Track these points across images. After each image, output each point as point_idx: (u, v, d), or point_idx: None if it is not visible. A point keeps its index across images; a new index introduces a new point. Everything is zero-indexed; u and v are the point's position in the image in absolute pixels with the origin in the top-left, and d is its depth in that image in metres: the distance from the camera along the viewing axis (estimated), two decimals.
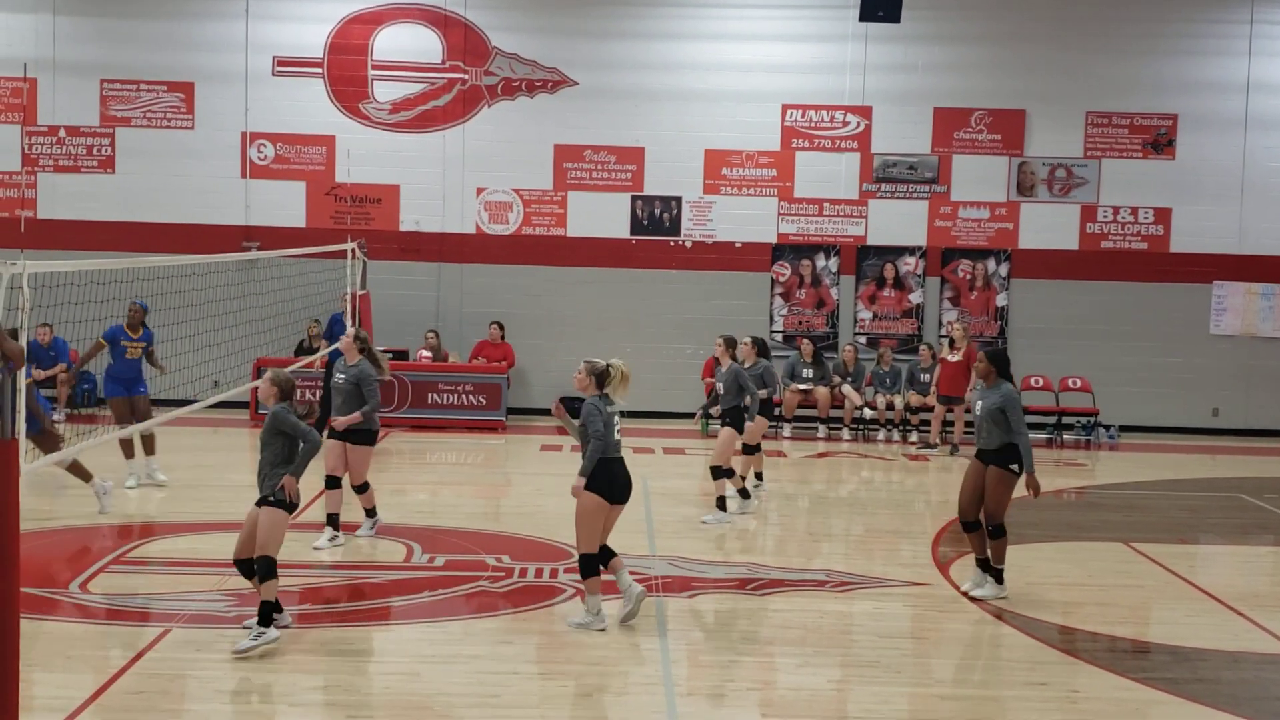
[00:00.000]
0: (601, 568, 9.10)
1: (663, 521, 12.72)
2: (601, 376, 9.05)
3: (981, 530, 10.26)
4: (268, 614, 8.42)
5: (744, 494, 13.25)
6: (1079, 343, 20.05)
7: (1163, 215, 20.22)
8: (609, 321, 20.13)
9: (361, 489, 11.49)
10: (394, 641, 8.90)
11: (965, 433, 18.48)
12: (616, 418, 9.07)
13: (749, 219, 20.21)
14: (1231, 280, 20.25)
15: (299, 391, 17.34)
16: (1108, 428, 19.34)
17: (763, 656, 8.76)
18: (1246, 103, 20.10)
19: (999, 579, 10.28)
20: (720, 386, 12.91)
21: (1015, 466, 10.10)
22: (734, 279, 20.25)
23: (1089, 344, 20.01)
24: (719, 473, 12.90)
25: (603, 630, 8.92)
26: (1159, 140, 20.16)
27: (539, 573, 10.57)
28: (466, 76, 20.06)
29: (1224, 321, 20.33)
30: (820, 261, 20.29)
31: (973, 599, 10.13)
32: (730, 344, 13.03)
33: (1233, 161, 20.17)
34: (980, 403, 10.30)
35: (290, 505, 8.59)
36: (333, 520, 11.30)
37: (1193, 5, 20.04)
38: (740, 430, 12.86)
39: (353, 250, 17.52)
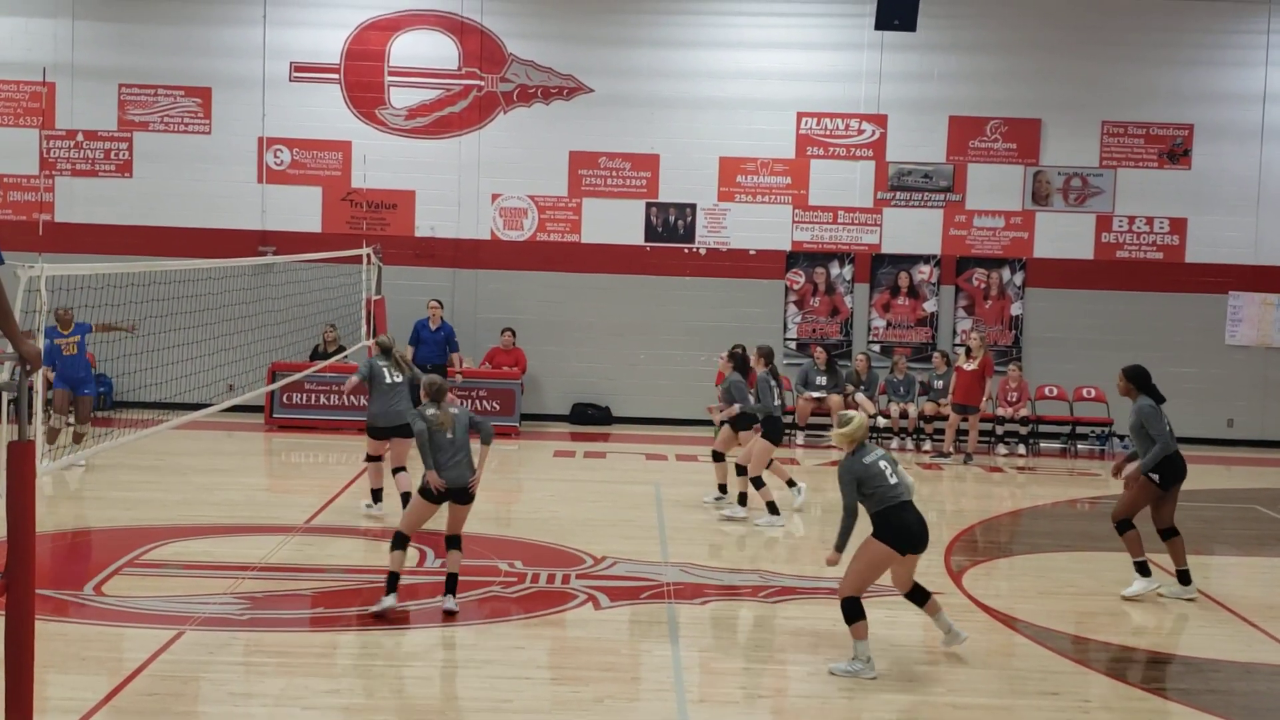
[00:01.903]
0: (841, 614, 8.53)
1: (675, 528, 12.74)
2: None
3: (1175, 537, 10.77)
4: (390, 581, 9.43)
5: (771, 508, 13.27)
6: (1093, 352, 19.98)
7: (1178, 225, 20.18)
8: (623, 328, 20.17)
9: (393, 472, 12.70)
10: (407, 646, 8.93)
11: (980, 442, 18.48)
12: (883, 464, 8.54)
13: (763, 226, 20.22)
14: (1247, 291, 20.19)
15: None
16: (1122, 438, 19.26)
17: (774, 664, 8.76)
18: (1263, 113, 20.04)
19: (1143, 571, 10.73)
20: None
21: (1156, 476, 10.60)
22: (748, 286, 20.26)
23: (1104, 354, 19.90)
24: (758, 482, 13.14)
25: (873, 679, 8.32)
26: (1175, 150, 20.12)
27: (551, 578, 10.59)
28: (482, 83, 20.12)
29: (1239, 332, 20.27)
30: (834, 269, 20.29)
31: (986, 606, 10.12)
32: (766, 355, 13.55)
33: (1249, 172, 20.12)
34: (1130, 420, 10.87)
35: (425, 491, 9.53)
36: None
37: (1209, 15, 20.01)
38: (776, 441, 13.23)
39: (368, 255, 17.59)
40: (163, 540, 11.56)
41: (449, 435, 9.57)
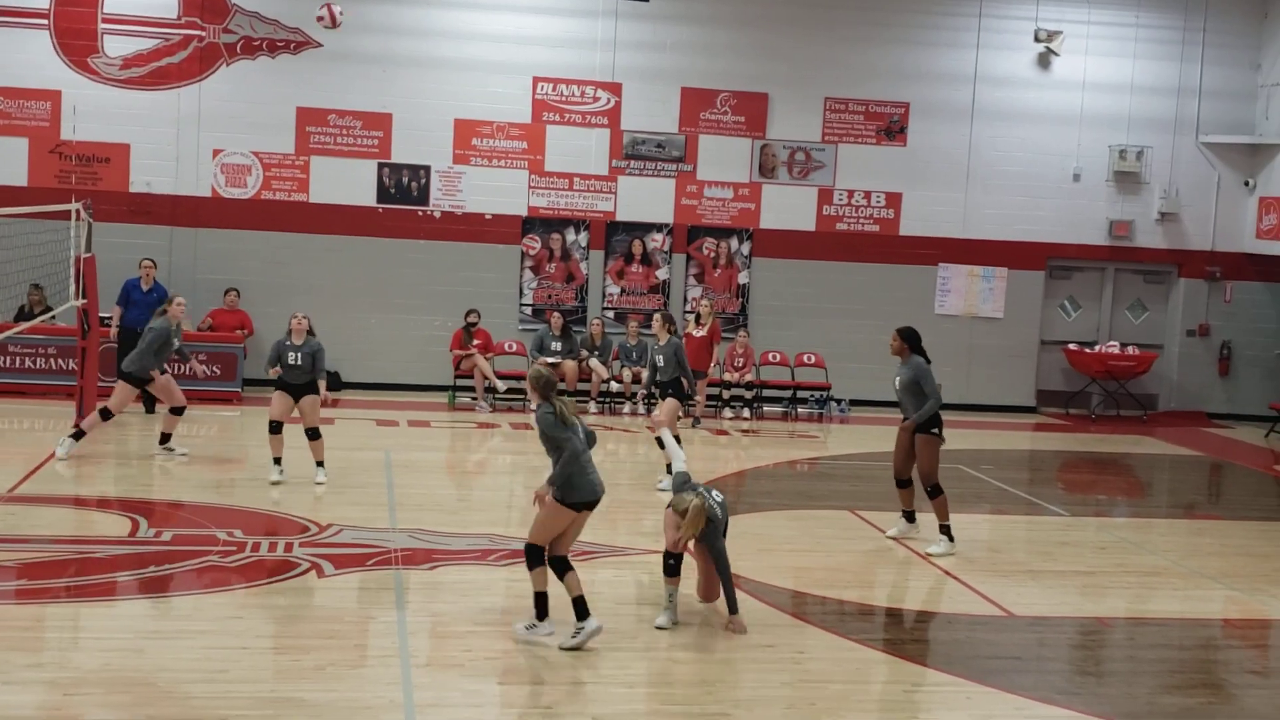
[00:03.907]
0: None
1: (404, 494, 12.60)
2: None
3: (911, 488, 11.61)
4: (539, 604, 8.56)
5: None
6: (814, 320, 20.73)
7: (894, 200, 21.08)
8: (354, 291, 19.71)
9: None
10: (117, 617, 8.55)
11: (707, 405, 18.94)
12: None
13: (499, 191, 20.09)
14: (955, 263, 21.30)
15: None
16: (839, 401, 20.10)
17: (502, 626, 8.77)
18: (974, 94, 21.10)
19: (948, 535, 11.35)
20: (660, 360, 13.96)
21: (936, 430, 11.29)
22: (484, 251, 20.12)
23: (823, 321, 20.71)
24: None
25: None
26: (891, 127, 21.00)
27: (273, 547, 10.31)
28: (204, 33, 19.27)
29: (947, 302, 21.38)
30: (570, 236, 20.38)
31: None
32: (669, 320, 14.23)
33: (959, 150, 21.15)
34: (898, 378, 11.36)
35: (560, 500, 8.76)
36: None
37: None
38: (682, 401, 13.99)
39: (77, 211, 16.62)
40: None
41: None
